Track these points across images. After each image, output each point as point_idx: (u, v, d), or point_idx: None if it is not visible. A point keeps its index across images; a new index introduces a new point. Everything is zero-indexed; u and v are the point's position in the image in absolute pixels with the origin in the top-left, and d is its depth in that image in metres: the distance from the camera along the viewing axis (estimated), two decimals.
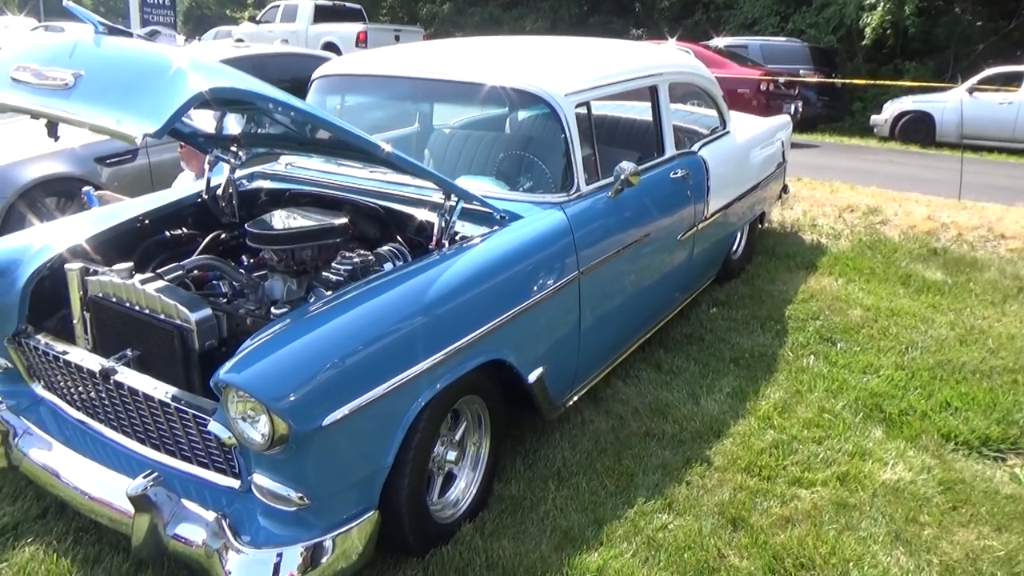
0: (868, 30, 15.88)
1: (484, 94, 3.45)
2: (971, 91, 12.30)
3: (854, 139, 13.65)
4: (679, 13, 22.83)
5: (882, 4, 15.39)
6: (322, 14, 18.65)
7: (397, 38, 17.76)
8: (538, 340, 2.99)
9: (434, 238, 2.85)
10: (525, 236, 2.96)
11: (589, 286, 3.19)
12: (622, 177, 3.31)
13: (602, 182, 3.41)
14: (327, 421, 2.11)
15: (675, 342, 4.27)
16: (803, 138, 12.91)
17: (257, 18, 21.21)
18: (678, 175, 3.99)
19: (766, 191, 5.43)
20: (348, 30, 17.89)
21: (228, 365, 2.12)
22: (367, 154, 2.84)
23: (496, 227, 2.94)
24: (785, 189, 6.02)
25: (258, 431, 2.10)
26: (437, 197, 2.94)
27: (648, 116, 4.14)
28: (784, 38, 16.08)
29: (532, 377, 2.91)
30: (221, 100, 2.28)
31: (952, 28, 16.37)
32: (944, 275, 5.36)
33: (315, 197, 3.37)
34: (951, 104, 12.27)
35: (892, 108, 13.37)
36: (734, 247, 5.21)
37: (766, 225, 6.07)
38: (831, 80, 14.40)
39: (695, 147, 4.37)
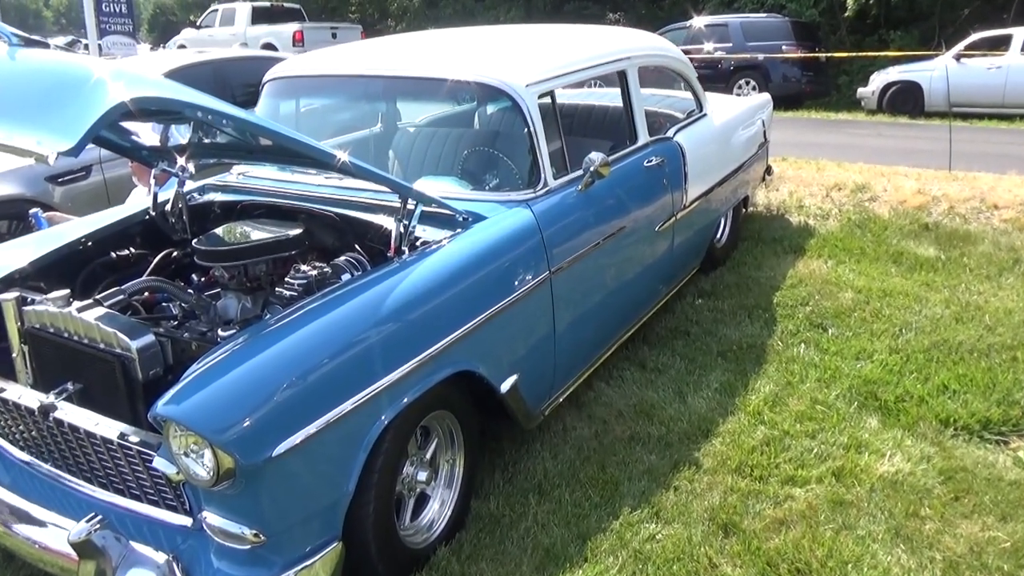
0: (850, 1, 15.83)
1: (442, 90, 3.36)
2: (958, 58, 12.27)
3: (841, 113, 13.60)
4: None
5: None
6: (260, 16, 19.68)
7: (334, 35, 18.61)
8: (510, 347, 2.89)
9: (392, 245, 2.75)
10: (489, 238, 2.86)
11: (562, 286, 3.10)
12: (591, 169, 3.21)
13: (571, 175, 3.32)
14: (278, 451, 2.01)
15: (659, 338, 4.18)
16: (788, 116, 12.85)
17: (197, 23, 21.86)
18: (652, 163, 3.90)
19: (748, 174, 5.35)
20: (285, 30, 18.72)
21: (166, 397, 2.02)
22: (317, 161, 2.75)
23: (459, 230, 2.85)
24: (769, 171, 5.94)
25: (203, 466, 1.99)
26: (395, 202, 2.84)
27: (619, 103, 4.05)
28: (764, 14, 16.02)
29: (505, 387, 2.81)
30: (147, 111, 2.18)
31: None
32: (937, 251, 5.29)
33: (269, 208, 3.27)
34: (938, 72, 12.22)
35: (879, 80, 13.33)
36: (718, 234, 5.13)
37: (751, 209, 6.00)
38: (814, 55, 14.35)
39: (670, 132, 4.28)
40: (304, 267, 2.77)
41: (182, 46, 20.18)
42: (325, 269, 2.78)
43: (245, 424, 1.96)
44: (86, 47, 14.59)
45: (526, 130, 3.14)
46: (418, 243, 2.81)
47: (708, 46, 14.72)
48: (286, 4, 20.63)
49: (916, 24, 16.79)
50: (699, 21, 15.68)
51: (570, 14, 22.15)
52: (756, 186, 5.82)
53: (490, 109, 3.51)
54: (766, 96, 5.93)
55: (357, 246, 3.01)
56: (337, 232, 3.11)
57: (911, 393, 3.52)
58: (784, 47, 14.09)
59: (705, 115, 4.79)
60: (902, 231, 5.65)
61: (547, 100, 3.30)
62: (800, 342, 4.05)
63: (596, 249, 3.33)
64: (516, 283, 2.86)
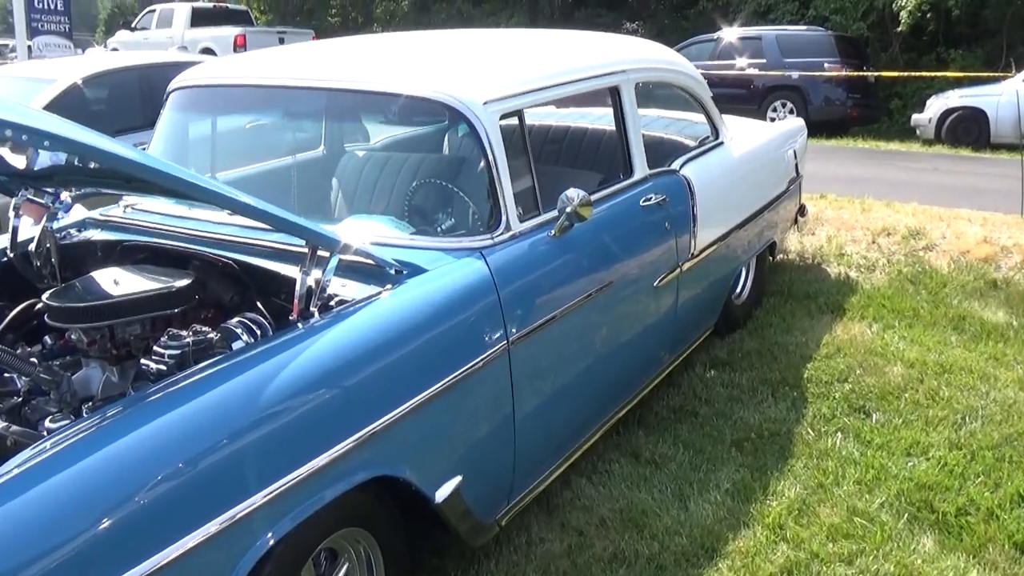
0: (904, 14, 15.72)
1: (381, 106, 3.11)
2: None
3: (893, 143, 13.39)
4: (680, 3, 22.81)
5: None
6: (200, 18, 20.17)
7: (281, 40, 18.74)
8: (450, 441, 2.57)
9: (296, 306, 2.43)
10: (427, 297, 2.55)
11: (525, 360, 2.78)
12: (567, 210, 2.91)
13: (543, 217, 3.02)
14: None
15: (659, 420, 3.84)
16: (831, 144, 12.65)
17: (132, 25, 22.31)
18: (651, 201, 3.60)
19: (776, 215, 5.06)
20: (226, 34, 19.05)
21: None
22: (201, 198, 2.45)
23: (388, 287, 2.53)
24: (802, 211, 5.66)
25: None
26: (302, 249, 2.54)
27: (612, 125, 3.77)
28: (804, 27, 15.93)
29: (443, 494, 2.47)
30: None
31: (1002, 8, 16.22)
32: (1008, 315, 4.96)
33: (154, 251, 2.96)
34: (1007, 97, 12.01)
35: (937, 105, 13.14)
36: (737, 289, 4.82)
37: (779, 257, 5.69)
38: (862, 74, 14.20)
39: (675, 164, 3.99)
40: (181, 332, 2.45)
41: (115, 49, 20.33)
42: (209, 335, 2.46)
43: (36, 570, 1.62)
44: (12, 50, 14.53)
45: (483, 159, 2.84)
46: (332, 303, 2.49)
47: (740, 62, 14.60)
48: (230, 6, 21.30)
49: (980, 42, 16.68)
50: (729, 33, 15.61)
51: (581, 22, 22.19)
52: (786, 230, 5.52)
53: (441, 132, 3.23)
54: (799, 122, 5.67)
55: (260, 304, 2.69)
56: (237, 285, 2.80)
57: (977, 504, 3.17)
58: (827, 65, 13.94)
59: (721, 143, 4.52)
60: (964, 289, 5.33)
61: (513, 122, 3.01)
62: (836, 430, 3.70)
63: (572, 311, 3.02)
64: (461, 358, 2.54)
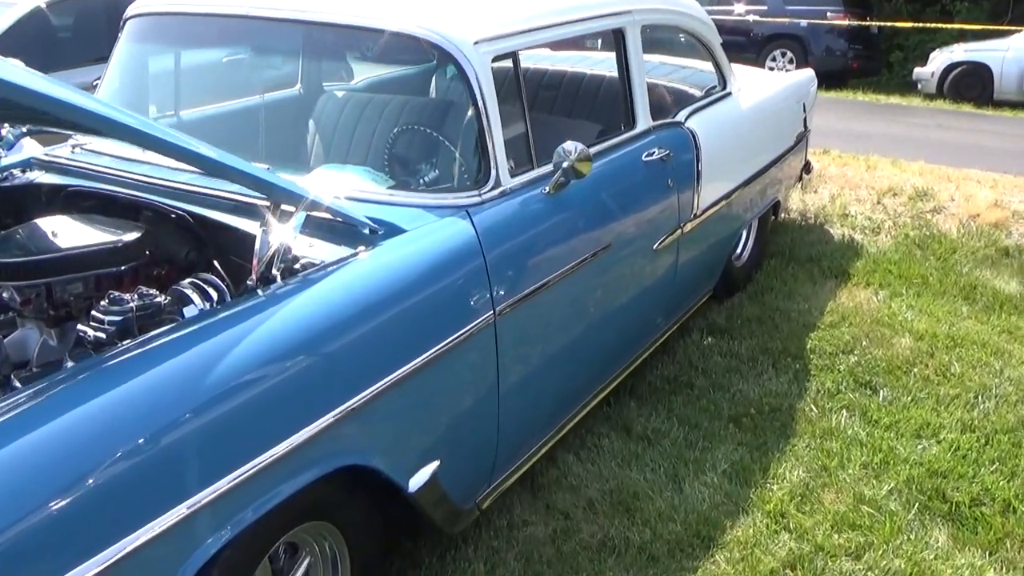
0: None
1: (362, 43, 2.80)
2: None
3: (893, 97, 13.05)
4: None
5: None
6: None
7: None
8: (427, 424, 2.32)
9: (255, 269, 2.15)
10: (405, 261, 2.27)
11: (513, 331, 2.52)
12: (564, 165, 2.63)
13: (537, 172, 2.74)
14: None
15: (653, 390, 3.61)
16: (831, 96, 12.30)
17: None
18: (654, 156, 3.32)
19: (782, 172, 4.78)
20: None
21: None
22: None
23: (360, 248, 2.25)
24: (807, 167, 5.37)
25: None
26: (262, 204, 2.25)
27: (614, 72, 3.46)
28: None
29: (417, 483, 2.23)
30: None
31: None
32: (1021, 285, 4.73)
33: (103, 199, 2.66)
34: (1012, 53, 11.71)
35: (940, 59, 12.77)
36: (738, 250, 4.56)
37: (782, 217, 5.41)
38: (865, 23, 13.78)
39: (681, 115, 3.70)
40: (123, 295, 2.16)
41: None
42: (157, 299, 2.17)
43: None
44: None
45: (471, 106, 2.55)
46: (298, 265, 2.21)
47: (739, 8, 14.15)
48: None
49: None
50: None
51: None
52: (791, 187, 5.24)
53: (427, 74, 2.92)
54: (809, 73, 5.35)
55: (217, 264, 2.41)
56: (194, 240, 2.50)
57: (992, 494, 2.96)
58: (829, 13, 13.54)
59: (729, 94, 4.22)
60: (975, 256, 5.08)
61: (507, 65, 2.71)
62: (841, 407, 3.48)
63: (566, 277, 2.75)
64: (442, 330, 2.28)
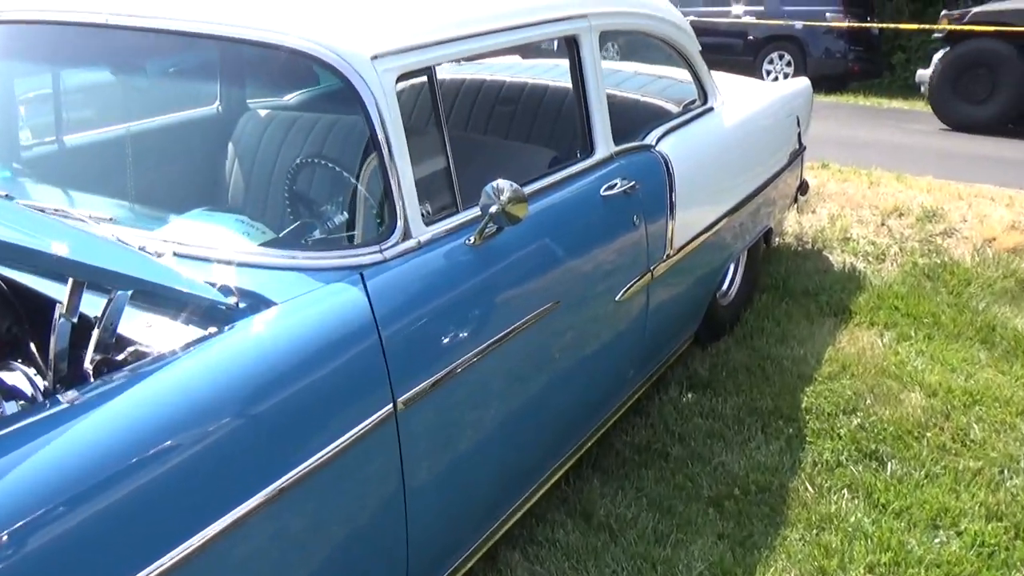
0: None
1: (239, 59, 2.23)
2: None
3: (895, 100, 12.52)
4: None
5: None
6: None
7: None
8: (306, 554, 1.77)
9: (50, 368, 1.62)
10: (268, 347, 1.74)
11: (421, 425, 1.99)
12: (493, 210, 2.09)
13: (463, 216, 2.21)
14: None
15: (621, 462, 3.07)
16: (830, 100, 11.78)
17: None
18: (616, 189, 2.78)
19: (774, 196, 4.24)
20: None
21: None
22: None
23: (214, 328, 1.72)
24: (803, 188, 4.83)
25: None
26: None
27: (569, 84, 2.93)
28: None
29: None
30: None
31: None
32: None
33: None
34: None
35: None
36: (724, 285, 4.02)
37: (776, 242, 4.87)
38: (866, 25, 13.25)
39: (651, 137, 3.16)
40: None
41: None
42: None
43: None
44: None
45: (369, 137, 2.01)
46: (124, 355, 1.68)
47: (735, 9, 13.61)
48: None
49: None
50: None
51: None
52: (785, 210, 4.70)
53: (316, 98, 2.38)
54: (804, 82, 4.81)
55: (34, 346, 1.87)
56: (10, 312, 1.96)
57: None
58: (828, 15, 12.99)
59: (711, 109, 3.68)
60: (992, 289, 4.53)
61: (419, 82, 2.18)
62: (842, 486, 2.94)
63: (499, 347, 2.21)
64: (315, 438, 1.74)
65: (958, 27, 9.98)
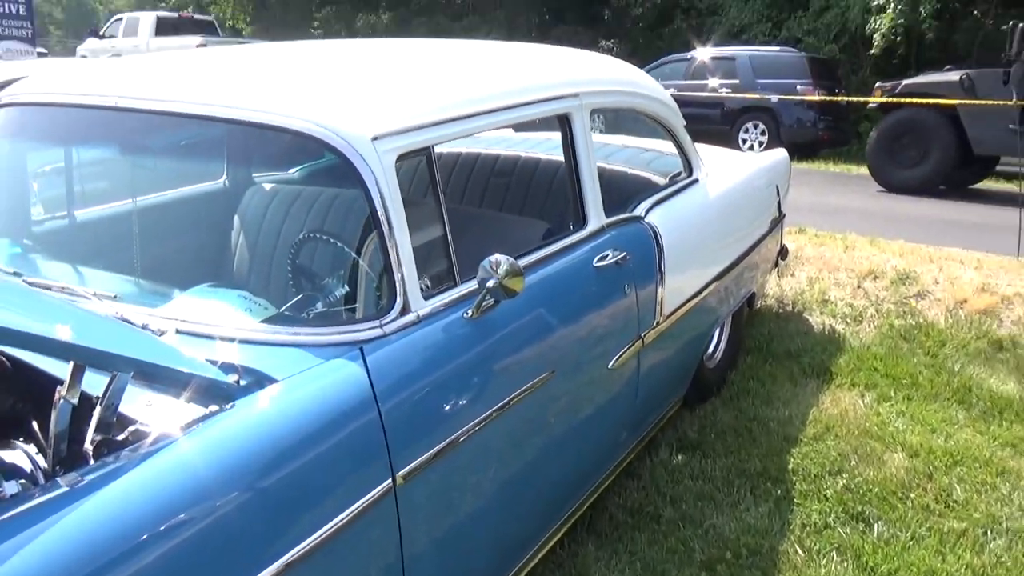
0: (877, 36, 14.99)
1: (241, 139, 2.18)
2: None
3: (863, 167, 12.56)
4: (655, 21, 22.08)
5: (893, 5, 14.48)
6: (164, 27, 19.90)
7: None
8: None
9: (50, 452, 1.54)
10: (268, 424, 1.66)
11: (420, 497, 1.91)
12: (490, 284, 2.03)
13: (460, 290, 2.14)
14: None
15: (614, 526, 2.97)
16: (803, 167, 11.85)
17: (100, 32, 21.98)
18: (608, 260, 2.73)
19: (756, 262, 4.20)
20: (189, 43, 18.59)
21: None
22: None
23: (216, 407, 1.64)
24: (783, 253, 4.81)
25: None
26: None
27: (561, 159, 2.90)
28: (778, 48, 15.14)
29: None
30: None
31: (973, 34, 15.56)
32: (1019, 386, 4.11)
33: None
34: None
35: None
36: (710, 349, 3.95)
37: (758, 305, 4.82)
38: (834, 98, 13.43)
39: (640, 209, 3.13)
40: None
41: (84, 56, 19.69)
42: None
43: None
44: None
45: (370, 216, 1.96)
46: (124, 435, 1.60)
47: (712, 82, 13.79)
48: (197, 16, 21.28)
49: (951, 65, 15.98)
50: (702, 53, 14.80)
51: (559, 38, 21.36)
52: (766, 274, 4.66)
53: (318, 176, 2.33)
54: (782, 153, 4.82)
55: (38, 427, 1.79)
56: (15, 390, 1.88)
57: None
58: (799, 87, 13.16)
59: (695, 180, 3.65)
60: (966, 350, 4.48)
61: (418, 162, 2.13)
62: (831, 548, 2.84)
63: (497, 418, 2.14)
64: (315, 515, 1.66)
65: (889, 99, 10.23)
